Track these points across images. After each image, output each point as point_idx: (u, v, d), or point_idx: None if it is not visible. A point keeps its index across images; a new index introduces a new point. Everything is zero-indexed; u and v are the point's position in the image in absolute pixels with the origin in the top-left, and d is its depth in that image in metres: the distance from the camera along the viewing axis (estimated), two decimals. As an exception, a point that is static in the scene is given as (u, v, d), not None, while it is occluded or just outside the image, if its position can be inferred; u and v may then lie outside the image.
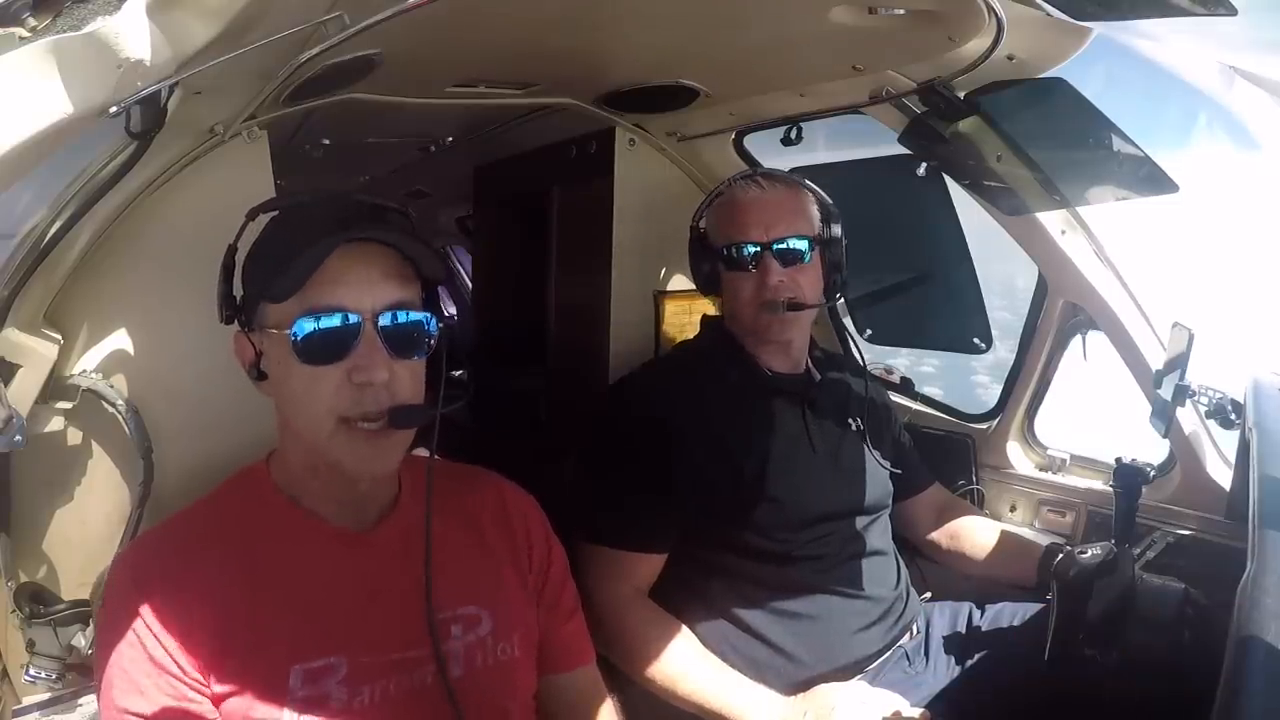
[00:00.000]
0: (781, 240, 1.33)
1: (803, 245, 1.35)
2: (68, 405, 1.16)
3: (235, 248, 0.92)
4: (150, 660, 0.80)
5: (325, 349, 0.83)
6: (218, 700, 0.81)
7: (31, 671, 1.17)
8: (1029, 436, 1.73)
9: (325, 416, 0.84)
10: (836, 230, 1.40)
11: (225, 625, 0.82)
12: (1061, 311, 1.56)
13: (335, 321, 0.82)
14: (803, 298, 1.34)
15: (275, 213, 0.94)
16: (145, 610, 0.80)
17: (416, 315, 0.87)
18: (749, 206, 1.36)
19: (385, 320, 0.84)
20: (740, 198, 1.36)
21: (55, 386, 1.15)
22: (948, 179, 1.58)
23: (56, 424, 1.17)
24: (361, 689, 0.86)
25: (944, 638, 1.40)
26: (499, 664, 0.95)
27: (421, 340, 0.88)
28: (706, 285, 1.44)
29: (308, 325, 0.82)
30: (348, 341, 0.83)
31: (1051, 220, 1.47)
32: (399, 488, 0.98)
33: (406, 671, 0.88)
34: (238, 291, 0.91)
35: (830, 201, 1.42)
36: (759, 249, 1.33)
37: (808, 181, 1.43)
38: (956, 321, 1.75)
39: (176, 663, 0.80)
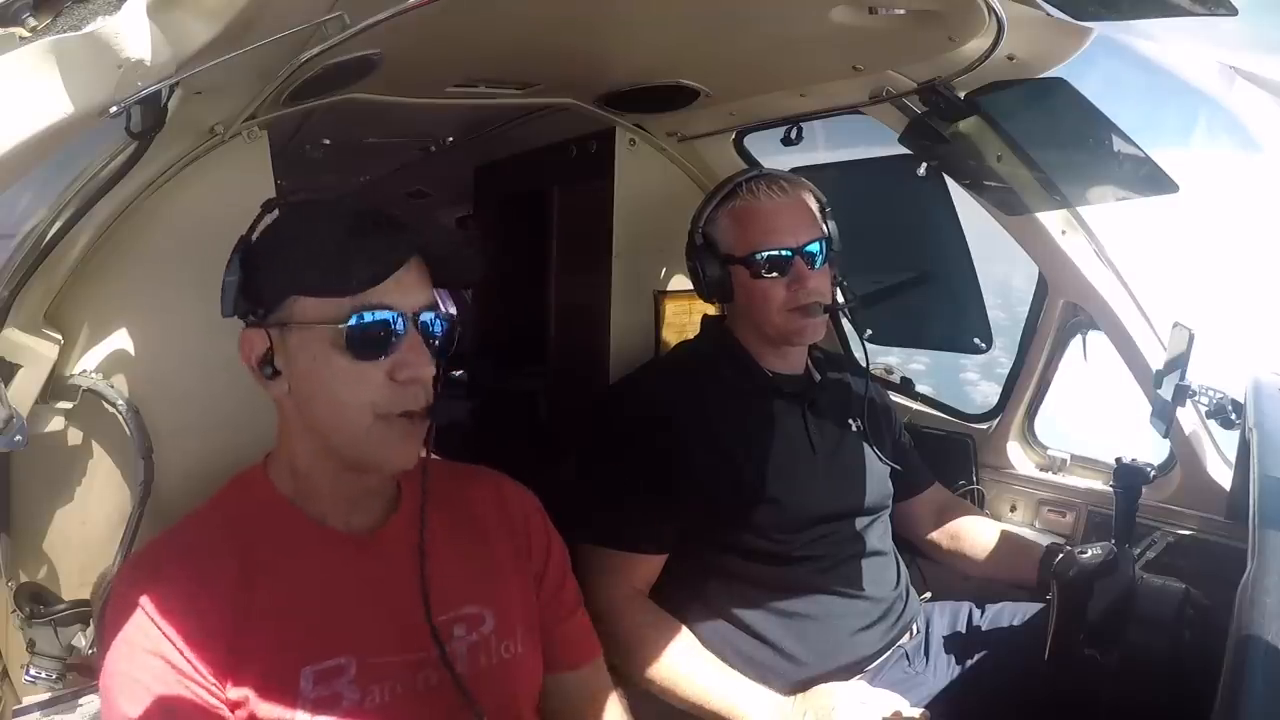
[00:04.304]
0: (808, 245, 1.34)
1: (819, 248, 1.35)
2: (68, 405, 1.16)
3: (249, 239, 0.91)
4: (166, 663, 0.79)
5: (375, 344, 0.84)
6: (232, 706, 0.81)
7: (32, 671, 1.17)
8: (1029, 436, 1.73)
9: (364, 411, 0.85)
10: (833, 228, 1.41)
11: (235, 629, 0.82)
12: (1062, 311, 1.56)
13: (385, 318, 0.84)
14: (828, 299, 1.36)
15: (283, 208, 0.94)
16: (155, 615, 0.80)
17: (440, 316, 0.89)
18: (777, 212, 1.35)
19: (425, 320, 0.87)
20: (766, 204, 1.35)
21: (55, 386, 1.15)
22: (948, 179, 1.57)
23: (57, 424, 1.16)
24: (371, 689, 0.86)
25: (944, 638, 1.40)
26: (502, 662, 0.95)
27: (447, 340, 0.91)
28: (715, 291, 1.42)
29: (360, 320, 0.83)
30: (392, 339, 0.85)
31: (1051, 220, 1.47)
32: (399, 488, 0.98)
33: (412, 672, 0.89)
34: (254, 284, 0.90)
35: (824, 199, 1.42)
36: (792, 254, 1.33)
37: (805, 180, 1.43)
38: (957, 321, 1.74)
39: (192, 665, 0.80)
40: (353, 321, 0.83)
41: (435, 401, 0.89)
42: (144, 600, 0.81)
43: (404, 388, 0.85)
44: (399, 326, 0.85)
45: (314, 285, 0.84)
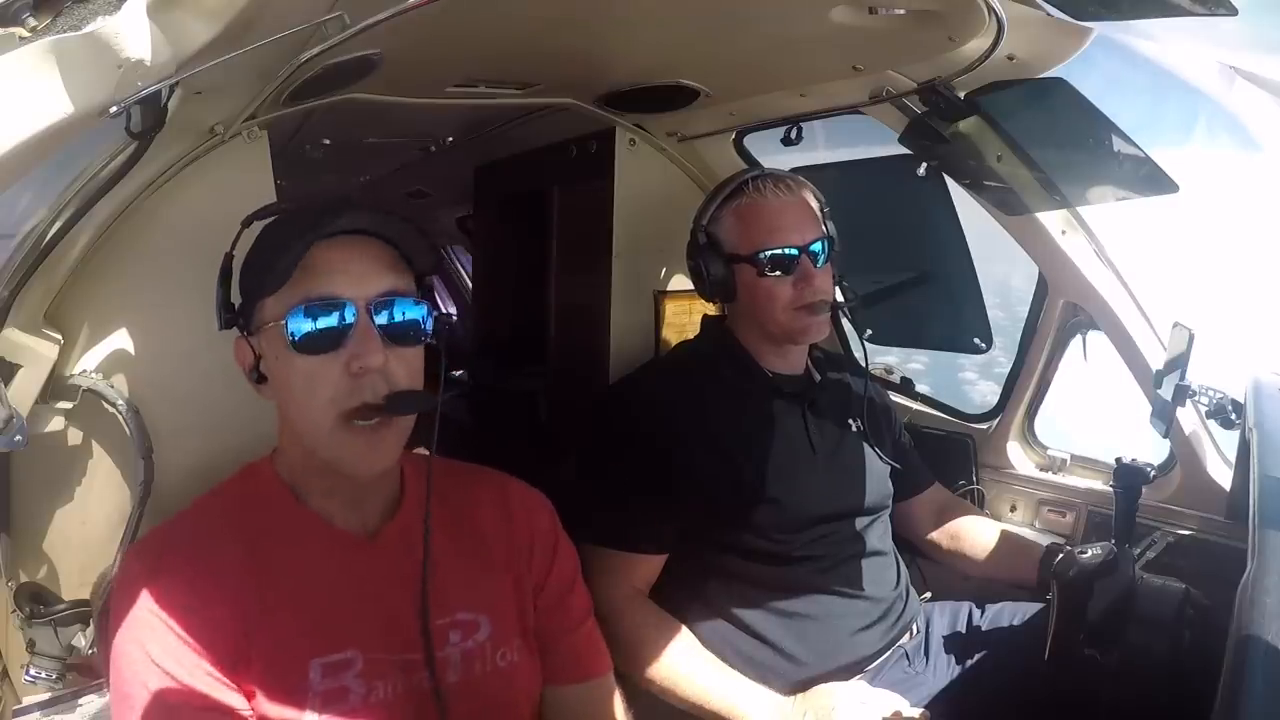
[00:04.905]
0: (813, 243, 1.34)
1: (822, 247, 1.36)
2: (68, 405, 1.16)
3: (232, 255, 0.92)
4: (184, 644, 0.79)
5: (322, 338, 0.83)
6: (245, 696, 0.81)
7: (32, 671, 1.17)
8: (1029, 436, 1.73)
9: (325, 410, 0.84)
10: (832, 229, 1.41)
11: (244, 619, 0.82)
12: (1062, 311, 1.56)
13: (331, 310, 0.83)
14: (831, 298, 1.37)
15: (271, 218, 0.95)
16: (166, 601, 0.80)
17: (410, 304, 0.88)
18: (783, 211, 1.35)
19: (379, 308, 0.85)
20: (772, 203, 1.35)
21: (55, 386, 1.15)
22: (948, 179, 1.58)
23: (57, 424, 1.17)
24: (376, 684, 0.86)
25: (944, 638, 1.40)
26: (497, 671, 0.94)
27: (416, 328, 0.89)
28: (718, 290, 1.41)
29: (304, 314, 0.83)
30: (344, 330, 0.84)
31: (1051, 220, 1.47)
32: (401, 486, 0.98)
33: (409, 673, 0.88)
34: (235, 298, 0.91)
35: (824, 199, 1.43)
36: (798, 253, 1.34)
37: (805, 180, 1.44)
38: (956, 321, 1.75)
39: (208, 649, 0.79)
40: (293, 314, 0.83)
41: (406, 393, 0.86)
42: (150, 586, 0.81)
43: (358, 380, 0.84)
44: (344, 317, 0.83)
45: (266, 286, 0.84)
